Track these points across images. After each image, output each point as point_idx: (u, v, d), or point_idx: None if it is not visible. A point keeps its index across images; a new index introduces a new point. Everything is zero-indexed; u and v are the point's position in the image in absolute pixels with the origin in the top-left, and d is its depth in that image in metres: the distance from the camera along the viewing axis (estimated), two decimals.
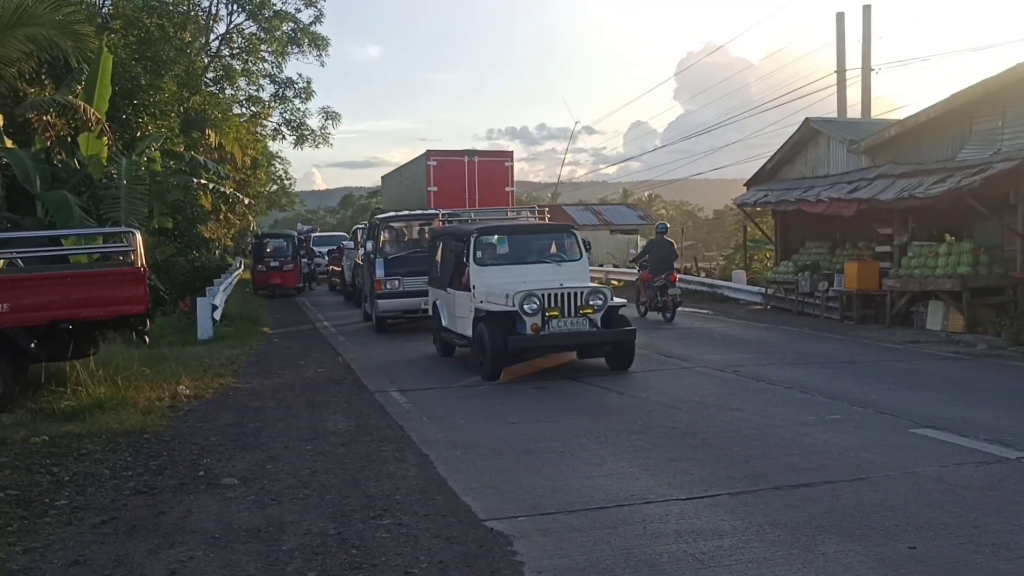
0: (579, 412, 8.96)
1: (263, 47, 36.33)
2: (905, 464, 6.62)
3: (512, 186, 25.67)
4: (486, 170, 25.18)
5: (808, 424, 8.10)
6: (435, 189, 24.52)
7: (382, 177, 38.65)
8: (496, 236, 12.38)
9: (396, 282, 16.35)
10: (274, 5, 35.13)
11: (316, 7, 35.60)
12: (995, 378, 10.88)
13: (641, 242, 40.39)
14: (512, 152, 27.23)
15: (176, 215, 21.10)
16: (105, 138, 17.18)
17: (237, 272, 29.11)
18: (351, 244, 25.52)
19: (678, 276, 18.37)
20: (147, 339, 11.13)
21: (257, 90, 38.56)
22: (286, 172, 50.09)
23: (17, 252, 12.12)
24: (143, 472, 6.95)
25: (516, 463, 7.02)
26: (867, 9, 25.77)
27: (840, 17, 26.39)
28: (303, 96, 38.02)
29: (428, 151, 25.70)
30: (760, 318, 18.40)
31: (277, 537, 5.37)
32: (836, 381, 10.41)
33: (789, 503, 5.74)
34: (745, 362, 11.92)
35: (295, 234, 31.40)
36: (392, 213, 21.29)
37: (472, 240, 11.79)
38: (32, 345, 9.50)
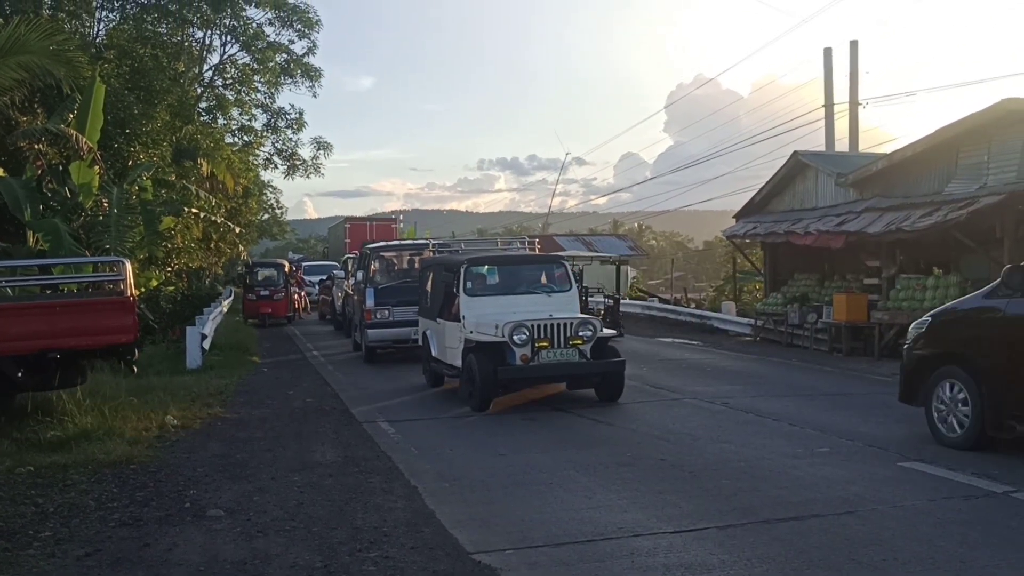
0: (568, 443, 8.95)
1: (256, 77, 36.47)
2: (893, 498, 6.63)
3: (396, 238, 37.34)
4: (380, 230, 40.15)
5: (796, 457, 8.10)
6: (349, 241, 39.12)
7: (328, 228, 56.74)
8: (486, 267, 12.40)
9: (386, 312, 16.31)
10: (267, 37, 35.32)
11: (309, 39, 35.82)
12: None
13: (632, 273, 40.55)
14: (395, 217, 45.68)
15: (166, 244, 21.07)
16: (96, 167, 17.19)
17: (227, 300, 29.04)
18: (342, 273, 25.57)
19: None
20: (135, 368, 11.08)
21: (249, 120, 38.69)
22: (278, 201, 50.18)
23: (6, 281, 12.10)
24: (128, 503, 6.90)
25: (504, 495, 7.00)
26: (854, 45, 26.13)
27: (827, 52, 26.72)
28: (295, 127, 38.17)
29: (346, 218, 43.93)
30: (749, 350, 18.44)
31: (263, 570, 5.33)
32: (825, 413, 10.43)
33: (777, 537, 5.74)
34: (734, 394, 11.93)
35: (285, 263, 31.43)
36: (382, 243, 21.36)
37: (462, 271, 11.80)
38: (19, 374, 9.44)
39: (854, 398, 11.73)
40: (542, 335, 10.79)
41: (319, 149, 39.35)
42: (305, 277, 36.13)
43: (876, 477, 7.29)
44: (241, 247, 37.46)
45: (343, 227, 42.48)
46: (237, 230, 31.66)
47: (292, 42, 35.90)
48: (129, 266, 10.67)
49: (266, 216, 49.19)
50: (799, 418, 10.02)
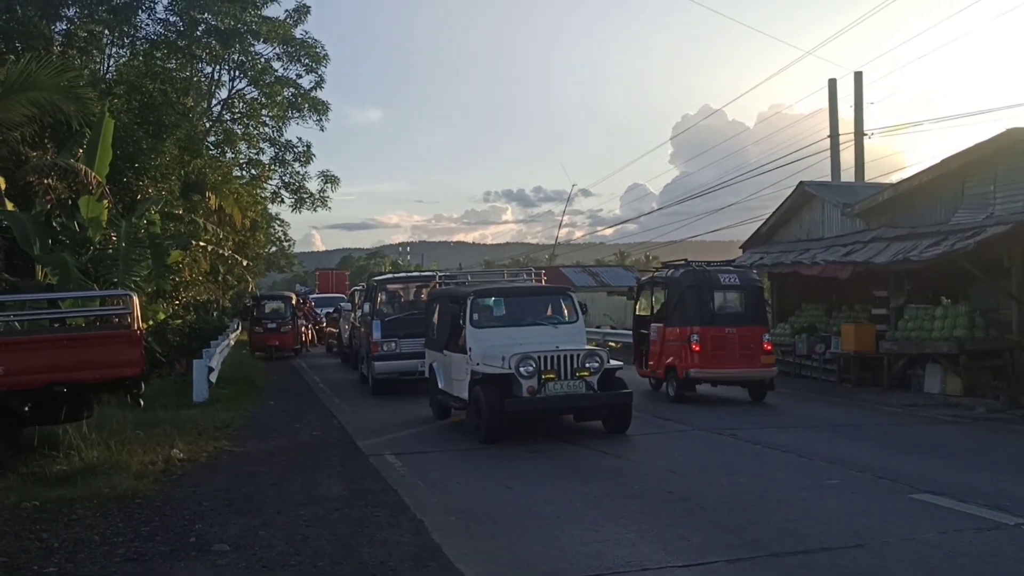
0: (575, 476, 8.89)
1: (264, 112, 36.70)
2: (904, 530, 6.55)
3: (348, 282, 50.62)
4: (338, 276, 56.71)
5: (806, 489, 8.04)
6: (319, 282, 56.75)
7: (307, 273, 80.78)
8: (493, 298, 12.40)
9: (393, 344, 16.30)
10: (275, 72, 35.57)
11: (317, 73, 36.06)
12: (994, 442, 10.83)
13: None
14: (348, 271, 66.67)
15: (174, 277, 21.11)
16: (105, 201, 17.26)
17: (235, 333, 29.07)
18: (349, 305, 25.61)
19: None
20: (141, 402, 11.06)
21: (257, 153, 38.87)
22: (285, 234, 50.44)
23: (15, 315, 12.13)
24: (134, 538, 6.86)
25: (511, 528, 6.95)
26: (858, 76, 26.26)
27: (832, 84, 26.84)
28: (302, 160, 38.34)
29: (317, 268, 72.34)
30: None
31: None
32: (834, 445, 10.36)
33: (787, 570, 5.67)
34: (742, 425, 11.87)
35: (293, 296, 31.51)
36: (389, 275, 21.44)
37: (469, 302, 11.81)
38: (26, 408, 9.43)
39: (863, 429, 11.65)
40: (549, 367, 10.76)
41: (326, 182, 39.40)
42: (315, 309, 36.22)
43: (886, 509, 7.22)
44: (249, 279, 37.55)
45: (315, 275, 64.98)
46: (245, 263, 31.75)
47: (300, 76, 36.13)
48: (136, 300, 10.68)
49: (274, 249, 49.43)
50: (808, 449, 9.95)
